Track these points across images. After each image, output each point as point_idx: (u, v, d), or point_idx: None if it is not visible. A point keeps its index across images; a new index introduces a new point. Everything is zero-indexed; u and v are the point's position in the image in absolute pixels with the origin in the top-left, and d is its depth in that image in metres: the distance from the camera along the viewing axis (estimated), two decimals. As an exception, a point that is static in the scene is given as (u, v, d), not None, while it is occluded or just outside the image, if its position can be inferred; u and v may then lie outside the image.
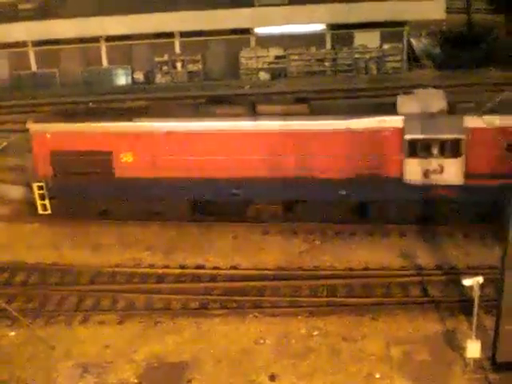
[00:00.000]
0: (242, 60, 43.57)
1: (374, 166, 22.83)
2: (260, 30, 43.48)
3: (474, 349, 16.08)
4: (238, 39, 43.54)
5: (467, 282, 15.52)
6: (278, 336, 18.27)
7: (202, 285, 20.86)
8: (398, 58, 43.33)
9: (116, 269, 21.97)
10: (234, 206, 24.48)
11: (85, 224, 24.90)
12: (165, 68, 44.34)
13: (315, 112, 23.56)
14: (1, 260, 22.97)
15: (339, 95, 37.37)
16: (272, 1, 41.88)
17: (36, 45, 44.81)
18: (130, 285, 21.16)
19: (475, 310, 15.77)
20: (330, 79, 42.44)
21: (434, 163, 22.32)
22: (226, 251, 22.68)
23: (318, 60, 43.70)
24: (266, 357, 17.49)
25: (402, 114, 22.41)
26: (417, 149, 22.24)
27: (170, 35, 43.75)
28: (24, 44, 44.67)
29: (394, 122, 22.43)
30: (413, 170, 22.51)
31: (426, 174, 22.45)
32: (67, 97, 39.25)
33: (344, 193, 23.26)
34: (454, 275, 19.95)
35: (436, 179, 22.44)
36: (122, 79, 44.72)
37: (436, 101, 22.48)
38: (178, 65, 44.23)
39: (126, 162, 23.97)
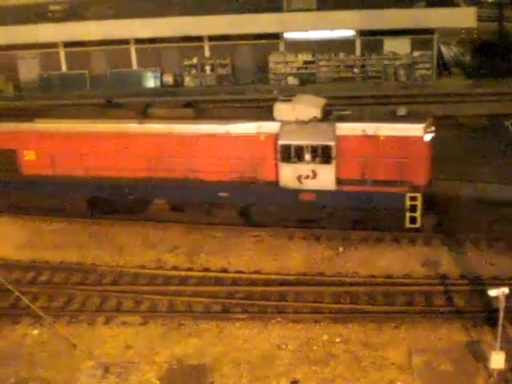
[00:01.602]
0: (271, 64, 43.63)
1: (252, 170, 23.53)
2: (289, 35, 43.51)
3: (498, 360, 15.86)
4: (267, 44, 43.63)
5: (493, 292, 15.34)
6: (299, 342, 18.19)
7: (224, 288, 20.85)
8: (428, 65, 43.17)
9: (139, 270, 22.05)
10: (132, 205, 25.63)
11: (108, 225, 25.05)
12: (194, 71, 44.54)
13: (200, 116, 24.37)
14: (25, 259, 23.16)
15: (368, 102, 37.20)
16: (301, 6, 41.92)
17: (66, 46, 45.20)
18: (153, 286, 21.22)
19: (500, 320, 15.58)
20: (358, 85, 42.34)
21: (306, 169, 22.90)
22: (249, 255, 22.67)
23: (347, 66, 43.66)
24: (287, 362, 17.41)
25: (278, 120, 23.06)
26: (290, 154, 22.86)
27: (200, 39, 43.91)
28: (54, 45, 45.09)
29: (269, 127, 23.12)
30: (287, 175, 23.19)
31: (299, 179, 23.05)
32: (95, 98, 39.39)
33: (224, 195, 24.00)
34: (478, 285, 19.76)
35: (309, 184, 23.03)
36: (151, 82, 45.03)
37: (310, 108, 23.05)
38: (207, 68, 44.44)
39: (29, 160, 25.39)
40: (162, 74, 44.98)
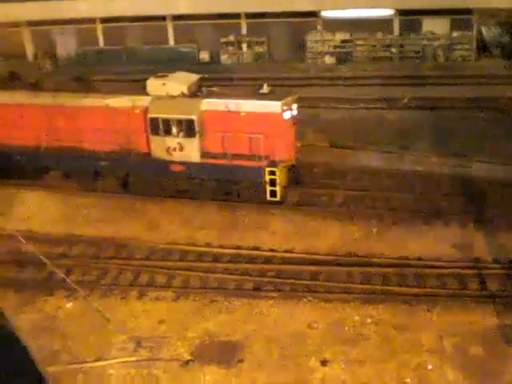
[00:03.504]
0: (308, 43, 43.33)
1: (129, 142, 24.94)
2: (327, 13, 43.15)
3: (529, 345, 15.79)
4: (304, 22, 43.32)
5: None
6: (330, 321, 18.20)
7: (256, 266, 20.91)
8: (467, 46, 42.55)
9: (172, 246, 22.19)
10: (27, 173, 27.05)
11: (141, 200, 25.24)
12: (230, 49, 44.42)
13: (86, 90, 26.05)
14: (59, 232, 23.44)
15: (404, 82, 36.83)
16: (340, -17, 41.53)
17: (104, 22, 45.37)
18: (186, 262, 21.35)
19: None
20: (395, 65, 41.91)
21: (173, 141, 24.27)
22: (282, 234, 22.67)
23: (385, 45, 43.20)
24: (317, 341, 17.44)
25: (151, 95, 24.59)
26: (158, 127, 24.22)
27: (237, 16, 43.77)
28: (92, 20, 45.28)
29: (142, 101, 24.58)
30: (157, 147, 24.64)
31: (168, 151, 24.43)
32: (131, 74, 39.40)
33: (104, 164, 25.63)
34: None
35: (177, 156, 24.44)
36: (187, 58, 44.92)
37: (178, 84, 24.55)
38: (244, 46, 44.29)
39: None
40: (198, 51, 44.94)
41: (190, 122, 23.84)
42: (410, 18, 42.45)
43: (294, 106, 24.00)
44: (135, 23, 45.05)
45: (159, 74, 25.42)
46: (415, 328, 17.65)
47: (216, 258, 21.50)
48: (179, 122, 23.97)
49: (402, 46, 42.94)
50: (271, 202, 24.04)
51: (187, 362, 16.92)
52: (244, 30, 44.55)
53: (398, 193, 24.61)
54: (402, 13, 42.32)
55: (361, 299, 18.91)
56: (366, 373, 16.24)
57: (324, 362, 16.65)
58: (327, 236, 22.37)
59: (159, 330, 18.22)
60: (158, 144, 24.53)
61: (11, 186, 26.53)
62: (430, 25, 42.64)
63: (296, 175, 24.84)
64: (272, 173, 23.52)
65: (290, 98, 23.79)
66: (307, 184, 25.65)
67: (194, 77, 25.41)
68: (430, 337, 17.29)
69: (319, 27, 43.61)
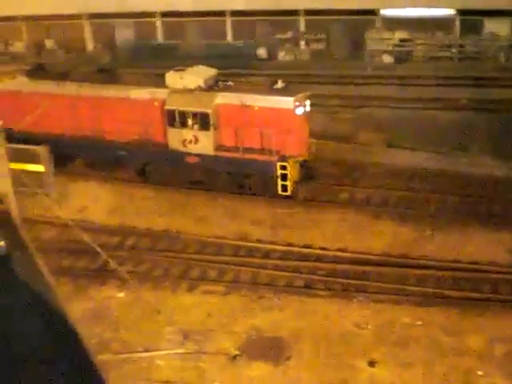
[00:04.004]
0: (367, 41, 42.99)
1: (148, 132, 25.62)
2: (386, 12, 42.76)
3: None
4: (363, 20, 43.01)
5: None
6: (380, 322, 18.06)
7: (307, 264, 20.86)
8: (529, 47, 41.70)
9: (223, 240, 22.28)
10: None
11: (194, 195, 25.42)
12: (288, 45, 44.34)
13: (110, 81, 26.91)
14: (113, 223, 23.75)
15: (463, 83, 36.30)
16: (400, -18, 41.12)
17: (163, 16, 45.75)
18: (237, 257, 21.42)
19: None
20: (455, 66, 41.33)
21: (189, 133, 24.82)
22: (333, 233, 22.58)
23: (445, 45, 42.62)
24: (366, 342, 17.32)
25: (168, 88, 25.25)
26: (175, 119, 24.83)
27: (295, 13, 43.68)
28: (151, 15, 45.70)
29: (161, 93, 25.25)
30: (174, 139, 25.25)
31: (183, 142, 25.01)
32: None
33: (123, 154, 26.41)
34: None
35: (192, 148, 24.98)
36: (245, 54, 44.96)
37: (195, 77, 25.02)
38: (302, 43, 44.18)
39: None
40: (255, 48, 44.96)
41: (205, 116, 24.34)
42: (471, 18, 41.79)
43: (307, 103, 24.25)
44: (194, 18, 45.29)
45: (178, 68, 25.93)
46: (466, 332, 17.40)
47: (267, 254, 21.51)
48: (194, 115, 24.49)
49: (462, 46, 42.33)
50: (282, 197, 24.40)
51: (234, 357, 16.97)
52: (302, 27, 44.41)
53: (452, 195, 24.30)
54: (462, 13, 41.69)
55: (412, 301, 18.72)
56: (414, 375, 16.06)
57: (372, 363, 16.53)
58: (380, 236, 22.20)
59: (208, 324, 18.31)
60: (175, 136, 25.16)
61: (65, 175, 26.92)
62: (491, 26, 41.92)
63: (309, 171, 24.83)
64: (283, 167, 23.75)
65: (302, 95, 24.06)
66: (360, 183, 25.54)
67: (212, 71, 25.84)
68: (480, 342, 17.02)
69: (378, 26, 43.23)
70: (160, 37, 47.02)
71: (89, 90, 26.66)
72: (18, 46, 49.13)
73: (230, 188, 25.17)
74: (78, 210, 24.80)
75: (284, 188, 24.04)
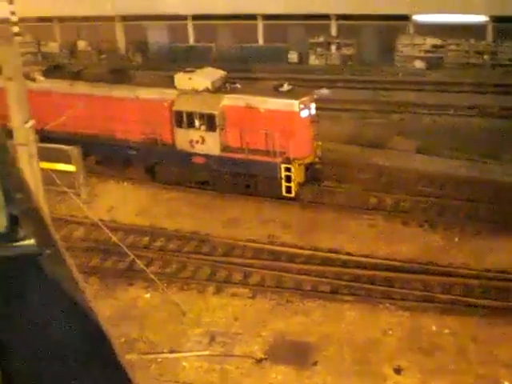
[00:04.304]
0: (398, 46, 42.78)
1: (156, 133, 26.00)
2: (418, 17, 42.53)
3: None
4: (395, 25, 42.79)
5: None
6: (406, 329, 17.96)
7: (333, 269, 20.79)
8: None
9: (250, 244, 22.28)
10: None
11: (222, 197, 25.48)
12: (319, 50, 44.27)
13: (121, 81, 27.27)
14: (142, 224, 23.87)
15: (495, 90, 35.96)
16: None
17: (195, 19, 45.91)
18: (263, 261, 21.41)
19: None
20: (487, 73, 40.95)
21: (196, 134, 25.17)
22: (361, 238, 22.47)
23: (477, 52, 42.27)
24: (392, 349, 17.24)
25: (178, 89, 25.60)
26: (182, 120, 25.21)
27: (327, 17, 43.60)
28: (183, 17, 45.89)
29: (169, 94, 25.57)
30: (181, 139, 25.64)
31: (191, 143, 25.35)
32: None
33: (133, 153, 26.84)
34: None
35: (199, 149, 25.32)
36: (276, 58, 44.91)
37: (203, 79, 25.37)
38: (333, 47, 44.05)
39: None
40: (287, 51, 44.96)
41: (212, 117, 24.67)
42: (505, 25, 41.37)
43: (313, 105, 24.45)
44: (225, 21, 45.41)
45: (188, 69, 26.38)
46: (494, 342, 17.23)
47: (293, 258, 21.48)
48: (201, 116, 24.84)
49: (495, 53, 41.92)
50: (286, 198, 24.56)
51: (260, 360, 16.97)
52: (334, 32, 44.35)
53: (483, 203, 24.05)
54: (496, 19, 41.31)
55: (439, 309, 18.59)
56: (441, 384, 15.97)
57: (397, 370, 16.44)
58: (407, 242, 22.06)
59: (234, 326, 18.34)
60: (182, 136, 25.53)
61: (95, 176, 27.12)
62: (525, 32, 41.46)
63: (315, 173, 25.00)
64: (287, 169, 23.93)
65: (307, 97, 24.34)
66: (390, 189, 25.41)
67: (220, 73, 26.15)
68: (508, 352, 16.85)
69: (410, 31, 43.02)
70: (192, 39, 47.22)
71: (101, 90, 27.14)
72: (52, 47, 49.62)
73: (236, 189, 25.45)
74: (107, 210, 24.97)
75: (288, 189, 24.23)
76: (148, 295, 20.01)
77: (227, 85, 25.52)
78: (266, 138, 24.07)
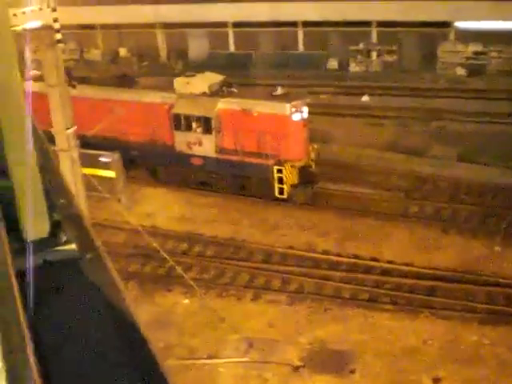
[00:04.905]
0: (440, 53, 42.41)
1: (158, 135, 27.12)
2: (460, 24, 42.13)
3: None
4: (436, 32, 42.45)
5: None
6: (446, 339, 17.76)
7: (373, 277, 20.66)
8: None
9: (289, 250, 22.25)
10: None
11: (260, 203, 25.54)
12: (359, 57, 44.10)
13: (128, 86, 28.58)
14: (182, 230, 24.00)
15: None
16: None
17: (235, 26, 46.05)
18: (302, 268, 21.36)
19: None
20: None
21: (193, 137, 26.13)
22: (400, 246, 22.31)
23: (520, 59, 41.68)
24: (431, 358, 17.06)
25: (177, 93, 26.55)
26: (181, 123, 26.15)
27: (367, 24, 43.41)
28: (224, 24, 46.07)
29: (169, 98, 26.60)
30: (180, 141, 26.64)
31: (188, 145, 26.32)
32: (259, 79, 39.77)
33: (135, 154, 27.78)
34: None
35: (196, 150, 26.28)
36: (316, 65, 44.84)
37: (200, 83, 26.18)
38: (373, 54, 43.84)
39: None
40: (327, 58, 44.85)
41: (208, 120, 25.58)
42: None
43: (305, 109, 24.95)
44: (266, 28, 45.47)
45: (187, 74, 27.54)
46: (536, 353, 16.98)
47: (333, 266, 21.40)
48: (198, 119, 25.79)
49: (538, 60, 41.31)
50: (278, 200, 25.18)
51: (297, 368, 16.92)
52: (374, 39, 44.13)
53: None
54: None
55: (480, 319, 18.35)
56: (481, 395, 15.77)
57: (436, 380, 16.27)
58: (448, 251, 21.84)
59: (271, 333, 18.32)
60: (181, 138, 26.56)
61: (133, 181, 27.38)
62: None
63: (308, 175, 25.38)
64: (279, 171, 24.58)
65: (299, 101, 24.91)
66: (430, 197, 25.21)
67: (218, 77, 27.05)
68: (551, 364, 16.58)
69: (452, 38, 42.63)
70: (232, 46, 47.39)
71: (106, 94, 28.17)
72: (94, 54, 50.20)
73: (232, 189, 26.31)
74: (146, 215, 25.16)
75: (281, 191, 24.86)
76: (186, 301, 20.10)
77: (224, 89, 26.36)
78: (259, 140, 24.82)
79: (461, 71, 41.88)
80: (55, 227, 3.59)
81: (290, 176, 24.73)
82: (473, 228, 23.05)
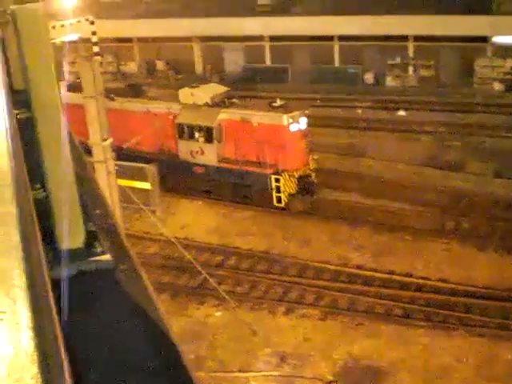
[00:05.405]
0: (477, 68, 42.09)
1: (163, 144, 28.03)
2: (498, 39, 41.78)
3: None
4: (474, 47, 42.13)
5: None
6: (481, 357, 17.52)
7: (407, 293, 20.48)
8: None
9: (323, 265, 22.16)
10: None
11: (294, 217, 25.44)
12: (396, 71, 43.92)
13: (137, 96, 29.38)
14: (215, 242, 24.04)
15: None
16: (513, 9, 40.04)
17: (271, 40, 46.18)
18: (336, 283, 21.26)
19: None
20: None
21: (196, 146, 26.92)
22: (436, 262, 22.10)
23: (559, 75, 41.22)
24: (465, 376, 16.84)
25: (182, 103, 27.39)
26: (184, 132, 26.97)
27: (404, 38, 43.23)
28: (260, 38, 46.22)
29: (175, 108, 27.43)
30: (183, 150, 27.48)
31: (191, 153, 27.12)
32: (294, 93, 39.74)
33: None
34: None
35: (199, 159, 27.08)
36: (352, 79, 44.75)
37: (203, 94, 27.05)
38: (410, 69, 43.64)
39: None
40: (363, 72, 44.75)
41: (209, 129, 26.36)
42: None
43: (303, 120, 25.63)
44: (301, 42, 45.53)
45: (192, 85, 28.35)
46: None
47: (367, 281, 21.25)
48: (200, 129, 26.60)
49: None
50: (278, 208, 25.69)
51: (329, 383, 16.81)
52: (411, 53, 43.95)
53: None
54: None
55: (516, 337, 18.10)
56: (516, 415, 15.51)
57: (471, 399, 16.06)
58: (484, 268, 21.58)
59: (303, 348, 18.24)
60: (184, 147, 27.41)
61: (168, 193, 27.52)
62: None
63: (308, 185, 25.88)
64: (277, 180, 25.26)
65: (297, 112, 25.64)
66: (466, 213, 24.95)
67: (222, 89, 28.15)
68: None
69: (489, 53, 42.29)
70: (268, 60, 47.51)
71: (115, 103, 28.35)
72: (131, 66, 50.70)
73: (233, 198, 26.84)
74: (181, 227, 25.25)
75: (279, 200, 25.49)
76: (219, 313, 20.10)
77: (226, 100, 27.14)
78: (258, 150, 25.51)
79: (498, 86, 41.50)
80: (91, 237, 3.62)
81: (288, 185, 25.19)
82: (509, 245, 22.75)
